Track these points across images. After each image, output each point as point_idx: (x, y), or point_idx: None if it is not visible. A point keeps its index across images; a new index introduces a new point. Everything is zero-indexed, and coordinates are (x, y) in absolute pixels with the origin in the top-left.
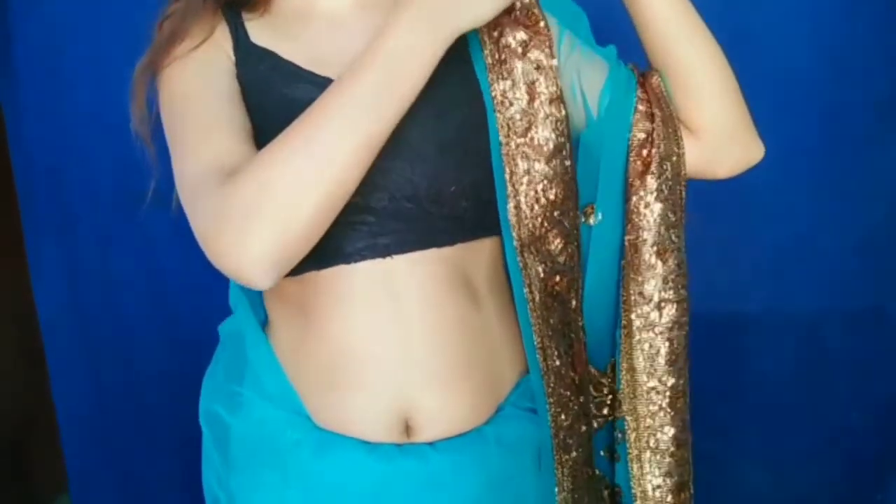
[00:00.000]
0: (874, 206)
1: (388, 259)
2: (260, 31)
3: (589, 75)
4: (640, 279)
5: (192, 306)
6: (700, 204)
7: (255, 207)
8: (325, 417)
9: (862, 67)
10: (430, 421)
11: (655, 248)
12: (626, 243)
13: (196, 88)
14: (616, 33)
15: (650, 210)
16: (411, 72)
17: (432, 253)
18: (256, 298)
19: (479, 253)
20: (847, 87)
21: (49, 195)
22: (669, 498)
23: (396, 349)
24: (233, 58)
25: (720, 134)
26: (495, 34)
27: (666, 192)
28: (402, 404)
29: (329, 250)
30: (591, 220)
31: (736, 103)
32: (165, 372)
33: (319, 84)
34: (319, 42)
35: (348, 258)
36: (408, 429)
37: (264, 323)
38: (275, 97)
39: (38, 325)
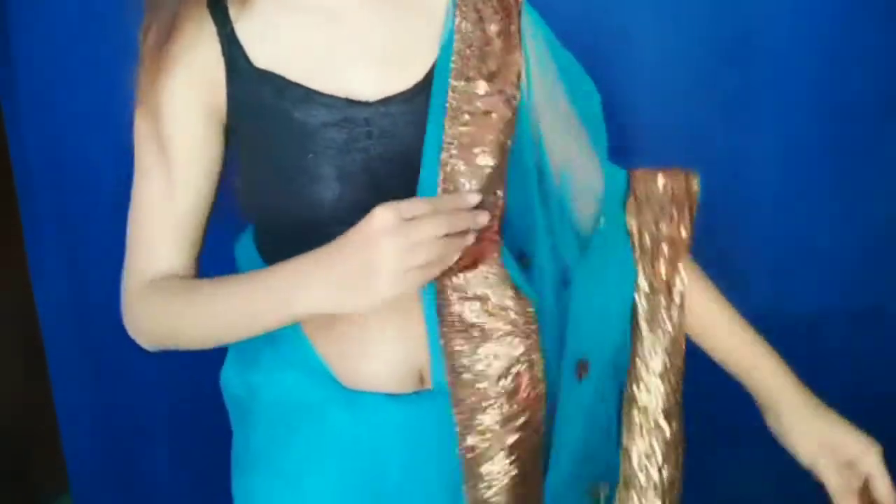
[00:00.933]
0: (874, 206)
1: None
2: (257, 47)
3: (578, 175)
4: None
5: None
6: (701, 204)
7: (135, 329)
8: (350, 380)
9: (862, 67)
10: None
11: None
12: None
13: (164, 151)
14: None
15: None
16: (277, 322)
17: None
18: None
19: None
20: (847, 88)
21: (48, 193)
22: None
23: (409, 316)
24: (224, 84)
25: None
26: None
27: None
28: (416, 361)
29: None
30: (581, 375)
31: None
32: (166, 371)
33: (330, 105)
34: (318, 45)
35: None
36: (421, 378)
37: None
38: (286, 123)
39: (39, 323)
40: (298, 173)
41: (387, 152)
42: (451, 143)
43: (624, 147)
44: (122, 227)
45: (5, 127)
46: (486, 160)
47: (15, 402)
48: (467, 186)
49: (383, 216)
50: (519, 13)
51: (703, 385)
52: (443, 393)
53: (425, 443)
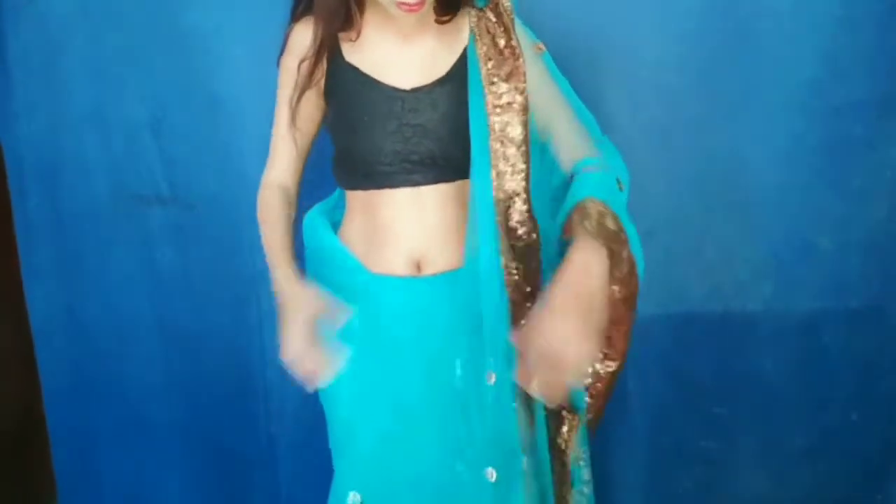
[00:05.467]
0: (874, 206)
1: (417, 187)
2: (350, 51)
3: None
4: None
5: (186, 309)
6: (701, 204)
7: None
8: (373, 266)
9: (862, 67)
10: (430, 263)
11: None
12: None
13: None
14: None
15: None
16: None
17: (441, 185)
18: (340, 202)
19: (466, 185)
20: (847, 87)
21: (41, 195)
22: None
23: (416, 230)
24: (324, 67)
25: None
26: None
27: None
28: (416, 254)
29: (383, 180)
30: None
31: None
32: (158, 375)
33: (383, 91)
34: (388, 56)
35: (394, 185)
36: (418, 267)
37: (333, 212)
38: (358, 99)
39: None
40: (359, 127)
41: (412, 119)
42: (493, 128)
43: (624, 146)
44: (115, 230)
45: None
46: (515, 131)
47: (9, 407)
48: (508, 153)
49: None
50: (513, 23)
51: (703, 382)
52: (437, 278)
53: (420, 308)
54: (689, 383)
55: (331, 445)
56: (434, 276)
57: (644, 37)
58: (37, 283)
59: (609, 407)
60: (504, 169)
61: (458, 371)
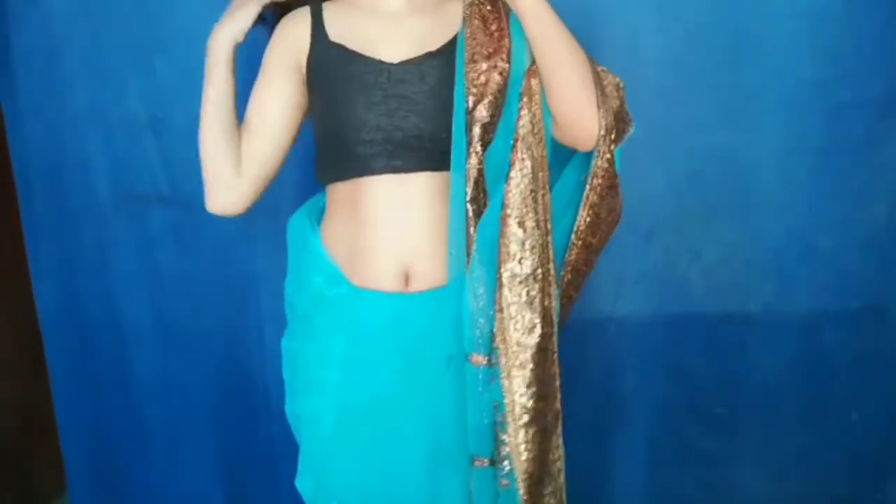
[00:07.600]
0: (874, 206)
1: (400, 174)
2: (334, 28)
3: None
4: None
5: (190, 306)
6: (701, 204)
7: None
8: (357, 279)
9: (862, 67)
10: (420, 276)
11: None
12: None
13: (265, 80)
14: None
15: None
16: (211, 79)
17: (427, 173)
18: (321, 199)
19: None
20: (847, 87)
21: (48, 194)
22: (531, 404)
23: (402, 230)
24: (307, 49)
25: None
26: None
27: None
28: (404, 265)
29: (364, 166)
30: None
31: (581, 98)
32: (163, 372)
33: (368, 63)
34: (376, 33)
35: (375, 172)
36: (407, 280)
37: (322, 213)
38: (339, 71)
39: (39, 325)
40: (341, 101)
41: (399, 90)
42: (468, 106)
43: (625, 145)
44: (121, 229)
45: (5, 127)
46: (483, 112)
47: (15, 403)
48: (475, 131)
49: None
50: (508, 14)
51: (703, 382)
52: (426, 295)
53: (407, 327)
54: (689, 383)
55: (301, 465)
56: (422, 292)
57: (644, 37)
58: (45, 283)
59: (609, 407)
60: (473, 153)
61: (446, 391)
